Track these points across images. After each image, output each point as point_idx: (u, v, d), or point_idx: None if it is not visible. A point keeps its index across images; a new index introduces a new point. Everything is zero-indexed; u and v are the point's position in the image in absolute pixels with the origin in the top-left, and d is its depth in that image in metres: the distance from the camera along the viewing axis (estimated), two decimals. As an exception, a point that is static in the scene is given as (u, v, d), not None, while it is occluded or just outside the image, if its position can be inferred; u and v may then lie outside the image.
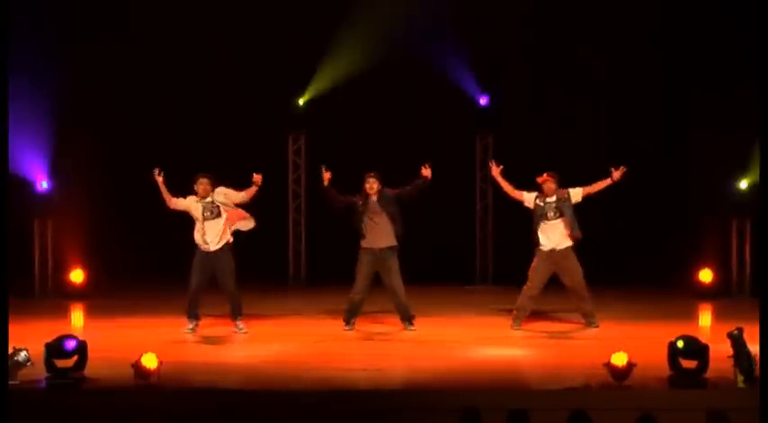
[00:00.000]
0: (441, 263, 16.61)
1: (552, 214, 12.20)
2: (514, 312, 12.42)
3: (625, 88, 16.96)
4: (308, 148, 16.87)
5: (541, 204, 12.26)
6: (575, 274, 12.23)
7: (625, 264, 16.52)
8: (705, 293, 15.09)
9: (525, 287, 12.30)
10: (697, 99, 16.65)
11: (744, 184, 15.47)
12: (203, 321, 12.50)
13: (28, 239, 15.54)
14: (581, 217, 11.98)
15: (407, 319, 12.30)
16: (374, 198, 12.18)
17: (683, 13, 16.78)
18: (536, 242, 12.24)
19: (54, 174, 15.79)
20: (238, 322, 12.26)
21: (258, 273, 16.53)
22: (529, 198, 12.35)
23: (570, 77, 17.07)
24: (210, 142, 17.26)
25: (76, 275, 15.40)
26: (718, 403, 7.92)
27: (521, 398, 8.61)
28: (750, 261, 15.31)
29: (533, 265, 12.27)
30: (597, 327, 12.27)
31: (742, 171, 15.46)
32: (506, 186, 12.52)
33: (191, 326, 12.17)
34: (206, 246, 12.04)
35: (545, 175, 12.27)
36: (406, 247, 17.10)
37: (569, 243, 12.23)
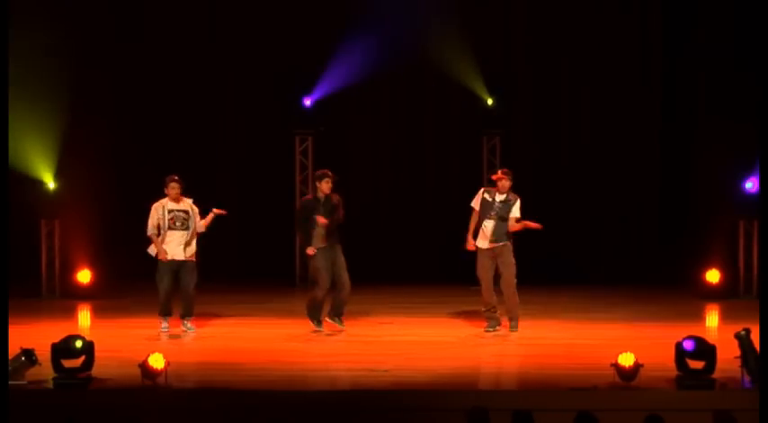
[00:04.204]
0: (446, 263, 16.57)
1: (494, 213, 11.91)
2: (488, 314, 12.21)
3: (632, 89, 16.95)
4: (315, 149, 16.86)
5: (490, 200, 11.97)
6: (505, 271, 11.95)
7: (633, 264, 16.51)
8: (712, 294, 15.06)
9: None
10: (704, 99, 16.62)
11: (750, 185, 15.44)
12: (209, 321, 12.52)
13: (35, 240, 15.54)
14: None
15: (338, 315, 12.13)
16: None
17: (689, 11, 16.75)
18: (473, 236, 11.98)
19: (61, 174, 15.79)
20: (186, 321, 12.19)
21: (265, 274, 16.58)
22: (476, 201, 12.07)
23: (577, 78, 17.05)
24: (218, 142, 17.27)
25: (84, 276, 15.40)
26: (725, 404, 7.91)
27: (526, 398, 8.60)
28: (758, 262, 15.27)
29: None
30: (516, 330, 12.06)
31: (749, 172, 15.42)
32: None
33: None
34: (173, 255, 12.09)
35: (500, 172, 12.06)
36: (412, 248, 17.25)
37: (504, 241, 11.94)
